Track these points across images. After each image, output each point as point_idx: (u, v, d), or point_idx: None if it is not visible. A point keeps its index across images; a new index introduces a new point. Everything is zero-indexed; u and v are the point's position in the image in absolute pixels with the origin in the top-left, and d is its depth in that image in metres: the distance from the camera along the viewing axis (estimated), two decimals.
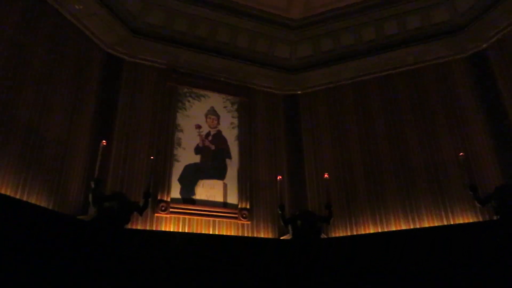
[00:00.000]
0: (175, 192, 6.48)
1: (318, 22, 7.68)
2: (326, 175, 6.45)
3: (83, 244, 5.06)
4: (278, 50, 8.00)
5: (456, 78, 7.04)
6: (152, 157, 5.99)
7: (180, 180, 6.64)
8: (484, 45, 6.89)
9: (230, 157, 7.18)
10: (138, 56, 7.07)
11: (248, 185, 6.99)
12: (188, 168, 6.78)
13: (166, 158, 6.61)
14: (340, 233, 6.70)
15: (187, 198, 6.51)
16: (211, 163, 6.99)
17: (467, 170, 5.73)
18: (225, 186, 6.90)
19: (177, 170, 6.68)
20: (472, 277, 5.07)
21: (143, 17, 7.00)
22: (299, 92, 8.11)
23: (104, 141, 5.54)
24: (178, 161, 6.74)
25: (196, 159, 6.92)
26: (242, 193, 6.87)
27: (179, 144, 6.87)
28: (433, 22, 7.22)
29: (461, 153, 5.89)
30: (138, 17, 6.95)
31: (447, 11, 7.06)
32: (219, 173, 6.98)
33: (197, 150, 6.99)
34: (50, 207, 5.21)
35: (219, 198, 6.74)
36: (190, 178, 6.71)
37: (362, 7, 7.37)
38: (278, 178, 6.48)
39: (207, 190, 6.72)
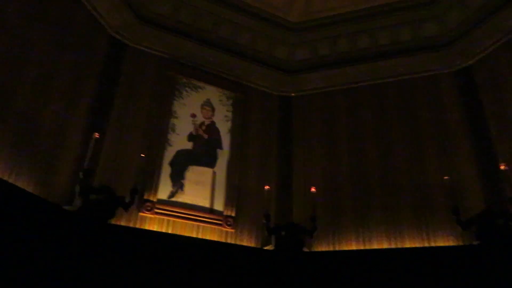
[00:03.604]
0: (162, 192, 6.45)
1: (317, 26, 7.95)
2: (313, 189, 6.50)
3: (66, 234, 5.07)
4: (277, 51, 8.22)
5: (443, 93, 7.13)
6: (143, 155, 6.02)
7: (171, 164, 6.74)
8: (470, 62, 7.05)
9: (221, 148, 7.33)
10: (141, 43, 7.20)
11: (236, 179, 7.07)
12: (180, 153, 6.90)
13: (160, 144, 6.72)
14: (322, 247, 6.64)
15: (174, 201, 6.48)
16: (203, 151, 7.12)
17: (451, 193, 5.77)
18: (214, 174, 7.02)
19: (169, 154, 6.80)
20: None
21: (151, 5, 7.20)
22: (292, 94, 8.26)
23: (96, 133, 5.50)
24: (171, 145, 6.87)
25: (189, 145, 7.05)
26: (228, 199, 6.89)
27: (174, 130, 7.01)
28: (423, 35, 7.46)
29: (445, 177, 5.92)
30: (145, 4, 7.16)
31: (437, 25, 7.32)
32: (209, 161, 7.10)
33: (190, 137, 7.13)
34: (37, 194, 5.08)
35: (207, 185, 6.82)
36: (181, 163, 6.82)
37: (358, 16, 7.68)
38: (266, 187, 6.55)
39: (197, 176, 6.82)
